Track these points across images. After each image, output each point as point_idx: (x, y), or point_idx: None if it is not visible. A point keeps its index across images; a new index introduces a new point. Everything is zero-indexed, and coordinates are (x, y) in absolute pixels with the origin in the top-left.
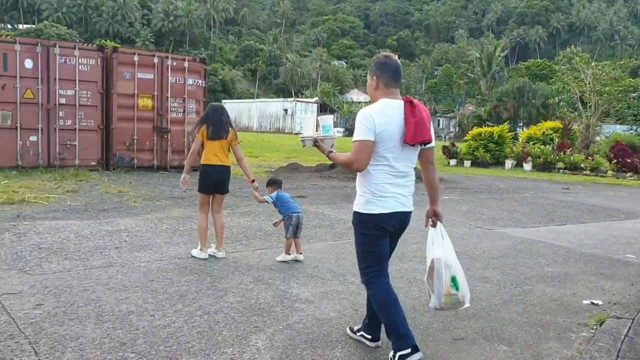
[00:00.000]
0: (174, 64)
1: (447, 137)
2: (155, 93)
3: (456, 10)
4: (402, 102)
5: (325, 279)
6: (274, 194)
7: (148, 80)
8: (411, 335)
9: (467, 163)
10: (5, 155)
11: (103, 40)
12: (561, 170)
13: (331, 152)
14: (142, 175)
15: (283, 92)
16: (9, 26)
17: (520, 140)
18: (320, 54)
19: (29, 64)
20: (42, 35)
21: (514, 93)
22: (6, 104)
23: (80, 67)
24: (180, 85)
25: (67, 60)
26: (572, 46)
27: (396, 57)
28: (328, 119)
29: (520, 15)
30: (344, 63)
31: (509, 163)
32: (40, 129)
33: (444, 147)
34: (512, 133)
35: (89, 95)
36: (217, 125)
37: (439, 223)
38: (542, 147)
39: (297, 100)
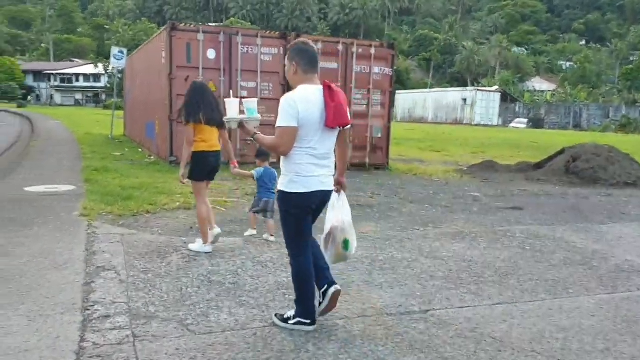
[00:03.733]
0: (360, 51)
1: None
2: (339, 84)
3: None
4: (321, 87)
5: None
6: (261, 169)
7: (331, 69)
8: (315, 313)
9: None
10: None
11: None
12: None
13: (256, 134)
14: None
15: (457, 81)
16: (201, 25)
17: None
18: (500, 40)
19: (211, 54)
20: None
21: None
22: None
23: (262, 57)
24: (366, 75)
25: (249, 49)
26: None
27: (310, 42)
28: (252, 102)
29: None
30: (524, 50)
31: None
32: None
33: None
34: None
35: (270, 88)
36: (213, 108)
37: (342, 192)
38: None
39: (478, 89)
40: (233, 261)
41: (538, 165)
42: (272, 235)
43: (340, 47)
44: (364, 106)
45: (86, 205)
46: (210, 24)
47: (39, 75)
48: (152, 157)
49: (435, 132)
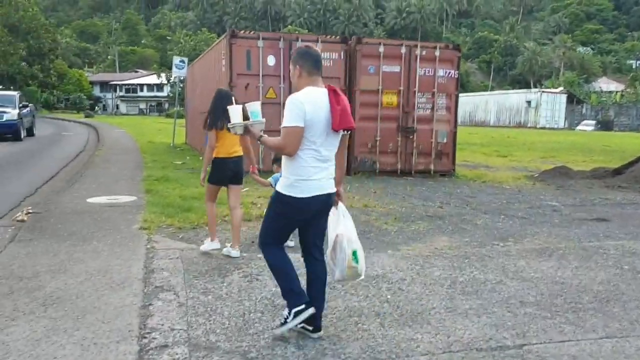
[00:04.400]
0: (424, 53)
1: None
2: (401, 88)
3: None
4: (326, 90)
5: None
6: (278, 175)
7: (394, 73)
8: (304, 293)
9: None
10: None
11: None
12: None
13: (262, 136)
14: (385, 182)
15: (519, 83)
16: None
17: None
18: (564, 40)
19: (271, 60)
20: None
21: None
22: None
23: (323, 62)
24: (430, 78)
25: None
26: None
27: (314, 45)
28: (255, 105)
29: None
30: (590, 49)
31: None
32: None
33: None
34: None
35: None
36: None
37: (340, 203)
38: None
39: (542, 91)
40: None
41: (617, 171)
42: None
43: (403, 49)
44: (429, 110)
45: (146, 218)
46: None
47: (105, 85)
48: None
49: (499, 135)
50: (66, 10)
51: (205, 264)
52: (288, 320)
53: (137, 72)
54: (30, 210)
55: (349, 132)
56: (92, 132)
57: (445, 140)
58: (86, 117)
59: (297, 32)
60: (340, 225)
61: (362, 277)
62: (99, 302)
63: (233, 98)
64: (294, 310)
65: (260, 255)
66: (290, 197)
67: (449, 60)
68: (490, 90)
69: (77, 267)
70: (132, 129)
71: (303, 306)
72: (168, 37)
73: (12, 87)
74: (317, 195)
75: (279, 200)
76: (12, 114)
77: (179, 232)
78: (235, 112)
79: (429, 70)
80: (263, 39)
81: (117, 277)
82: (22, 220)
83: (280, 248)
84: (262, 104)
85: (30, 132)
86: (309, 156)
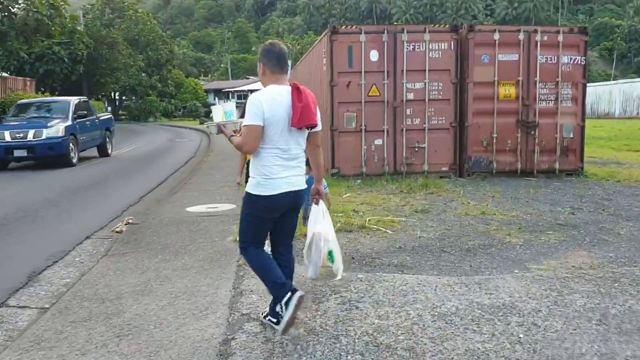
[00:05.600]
0: (545, 38)
1: None
2: (520, 78)
3: None
4: (289, 88)
5: None
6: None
7: (511, 62)
8: (288, 282)
9: None
10: (350, 162)
11: None
12: None
13: (232, 135)
14: (504, 184)
15: None
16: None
17: None
18: None
19: (374, 55)
20: None
21: None
22: (351, 104)
23: (430, 54)
24: (552, 66)
25: (416, 47)
26: None
27: (280, 43)
28: (230, 105)
29: None
30: None
31: None
32: (385, 130)
33: None
34: None
35: (440, 87)
36: None
37: (320, 201)
38: None
39: None
40: (406, 311)
41: None
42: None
43: (521, 35)
44: (552, 102)
45: None
46: None
47: (218, 93)
48: None
49: (627, 128)
50: (183, 22)
51: (299, 286)
52: (281, 314)
53: (247, 78)
54: (130, 221)
55: (318, 130)
56: (205, 138)
57: (571, 135)
58: (200, 124)
59: None
60: (319, 224)
61: (339, 277)
62: (177, 334)
63: (216, 100)
64: (283, 302)
65: (361, 275)
66: (257, 196)
67: (574, 46)
68: (613, 80)
69: (162, 288)
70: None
71: (289, 294)
72: None
73: (133, 98)
74: (284, 193)
75: (249, 201)
76: (55, 129)
77: None
78: (216, 111)
79: (551, 58)
80: (366, 33)
81: (202, 302)
82: (120, 232)
83: (258, 248)
84: (365, 102)
85: (103, 152)
86: (272, 155)
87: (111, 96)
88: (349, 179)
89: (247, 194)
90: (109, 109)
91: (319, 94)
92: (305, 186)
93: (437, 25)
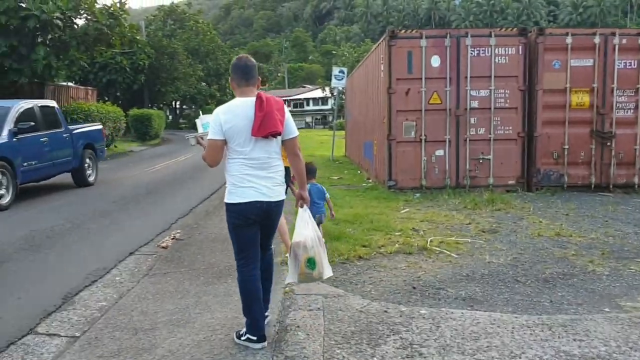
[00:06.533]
0: (624, 42)
1: None
2: (595, 85)
3: None
4: (254, 99)
5: None
6: (307, 186)
7: (585, 68)
8: (263, 326)
9: None
10: (408, 174)
11: None
12: None
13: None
14: (577, 200)
15: None
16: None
17: None
18: None
19: (435, 61)
20: None
21: None
22: (410, 112)
23: (496, 59)
24: (632, 71)
25: (480, 51)
26: None
27: (247, 57)
28: (207, 117)
29: None
30: None
31: None
32: (447, 140)
33: None
34: None
35: (506, 95)
36: None
37: (305, 206)
38: None
39: None
40: None
41: None
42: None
43: (596, 39)
44: (631, 111)
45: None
46: None
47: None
48: (370, 181)
49: None
50: (242, 33)
51: (352, 322)
52: (241, 339)
53: (304, 87)
54: (177, 236)
55: (291, 137)
56: None
57: None
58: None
59: None
60: (302, 230)
61: (323, 278)
62: None
63: (200, 113)
64: (248, 336)
65: (424, 311)
66: (229, 204)
67: None
68: None
69: (201, 319)
70: None
71: (256, 338)
72: (333, 52)
73: (193, 107)
74: (254, 202)
75: (226, 210)
76: None
77: None
78: (198, 124)
79: (631, 63)
80: (426, 37)
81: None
82: (166, 247)
83: (250, 269)
84: (425, 110)
85: (80, 179)
86: (239, 164)
87: (172, 105)
88: (406, 193)
89: (224, 203)
90: (170, 117)
91: (376, 101)
92: (283, 197)
93: (503, 29)
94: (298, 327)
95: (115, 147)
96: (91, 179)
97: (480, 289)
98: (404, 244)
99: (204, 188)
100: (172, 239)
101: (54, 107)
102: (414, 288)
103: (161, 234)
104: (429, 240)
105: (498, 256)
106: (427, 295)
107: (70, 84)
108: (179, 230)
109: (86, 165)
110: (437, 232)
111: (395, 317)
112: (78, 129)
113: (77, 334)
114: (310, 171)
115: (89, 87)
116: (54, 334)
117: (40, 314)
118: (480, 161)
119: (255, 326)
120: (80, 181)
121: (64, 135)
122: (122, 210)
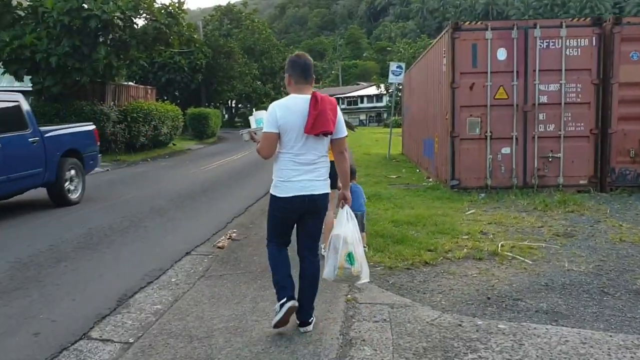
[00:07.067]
0: None
1: None
2: None
3: None
4: (309, 97)
5: None
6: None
7: None
8: (289, 288)
9: None
10: (472, 173)
11: None
12: None
13: (259, 142)
14: None
15: None
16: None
17: None
18: None
19: (501, 54)
20: None
21: None
22: (474, 107)
23: (567, 52)
24: None
25: (550, 43)
26: None
27: (306, 55)
28: (261, 113)
29: None
30: None
31: None
32: (514, 137)
33: None
34: None
35: (578, 89)
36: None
37: (346, 205)
38: None
39: None
40: None
41: None
42: (365, 246)
43: None
44: None
45: None
46: None
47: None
48: (431, 180)
49: None
50: (297, 31)
51: (424, 336)
52: (277, 312)
53: (358, 84)
54: (233, 235)
55: (340, 137)
56: None
57: None
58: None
59: None
60: (342, 226)
61: (363, 280)
62: None
63: (254, 110)
64: (279, 304)
65: (503, 325)
66: (273, 196)
67: None
68: None
69: (258, 327)
70: (349, 140)
71: (285, 299)
72: (388, 48)
73: (248, 105)
74: (297, 196)
75: (270, 200)
76: None
77: (389, 275)
78: (251, 120)
79: None
80: (492, 29)
81: (301, 352)
82: (222, 247)
83: (279, 247)
84: (491, 106)
85: (59, 196)
86: (287, 159)
87: (228, 104)
88: (470, 193)
89: (269, 194)
90: (226, 116)
91: (438, 97)
92: (327, 191)
93: (575, 19)
94: (364, 340)
95: (174, 144)
96: (74, 196)
97: (563, 300)
98: (472, 249)
99: (258, 186)
100: (229, 238)
101: (17, 102)
102: (489, 298)
103: (217, 233)
104: (499, 245)
105: (578, 263)
106: (504, 307)
107: (130, 83)
108: (234, 230)
109: (66, 178)
110: (508, 235)
111: (471, 332)
112: (54, 130)
113: (131, 340)
114: (351, 172)
115: (149, 87)
116: (108, 340)
117: (94, 317)
118: (550, 159)
119: (284, 288)
120: (58, 199)
121: (30, 139)
122: (178, 209)
